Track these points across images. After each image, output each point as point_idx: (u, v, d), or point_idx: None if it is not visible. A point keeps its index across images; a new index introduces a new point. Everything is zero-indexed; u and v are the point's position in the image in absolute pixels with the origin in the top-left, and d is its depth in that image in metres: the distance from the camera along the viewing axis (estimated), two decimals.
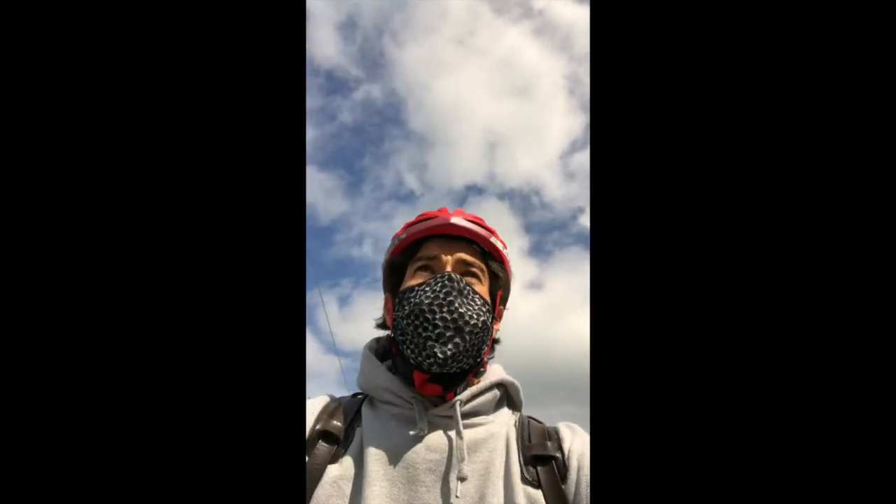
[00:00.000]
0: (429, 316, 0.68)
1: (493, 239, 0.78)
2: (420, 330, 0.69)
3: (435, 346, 0.68)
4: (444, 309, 0.69)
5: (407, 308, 0.71)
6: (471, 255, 0.77)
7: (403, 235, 0.79)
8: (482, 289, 0.76)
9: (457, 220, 0.77)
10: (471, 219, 0.79)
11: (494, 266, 0.79)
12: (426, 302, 0.69)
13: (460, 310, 0.69)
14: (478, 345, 0.71)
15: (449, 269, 0.74)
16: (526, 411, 0.78)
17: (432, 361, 0.68)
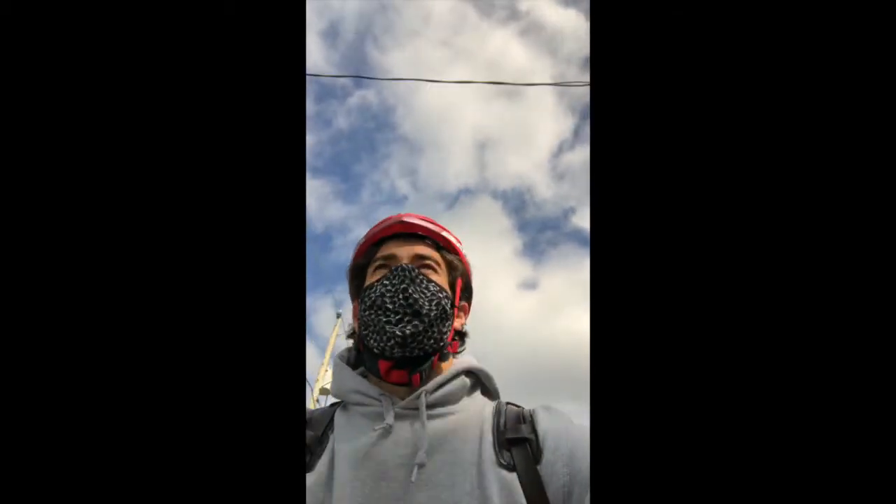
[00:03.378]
0: (389, 305, 0.72)
1: (444, 233, 0.84)
2: (380, 316, 0.72)
3: (394, 329, 0.71)
4: (399, 296, 0.72)
5: (368, 302, 0.75)
6: (425, 248, 0.81)
7: (363, 241, 0.86)
8: (439, 278, 0.79)
9: (409, 218, 0.83)
10: (423, 218, 0.84)
11: (449, 257, 0.83)
12: (385, 294, 0.73)
13: (414, 296, 0.73)
14: (437, 327, 0.73)
15: (405, 262, 0.78)
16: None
17: (393, 343, 0.70)
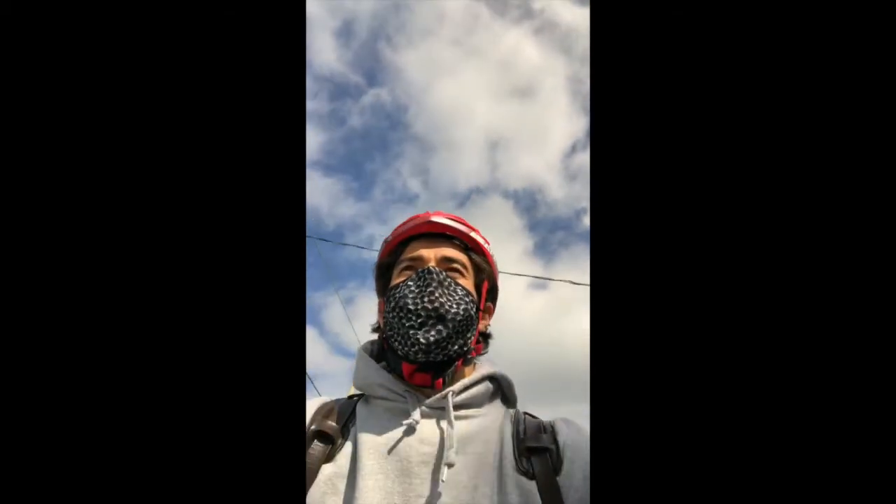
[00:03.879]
0: (412, 307, 0.72)
1: (473, 234, 0.82)
2: (404, 321, 0.72)
3: (418, 334, 0.70)
4: (426, 300, 0.72)
5: (392, 303, 0.74)
6: (453, 250, 0.79)
7: (390, 239, 0.84)
8: (466, 282, 0.78)
9: (437, 218, 0.81)
10: (451, 217, 0.82)
11: (477, 259, 0.81)
12: (409, 295, 0.73)
13: (441, 299, 0.72)
14: (462, 332, 0.73)
15: (432, 264, 0.76)
16: (535, 409, 0.78)
17: (417, 349, 0.70)
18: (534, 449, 0.67)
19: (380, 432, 0.68)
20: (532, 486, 0.63)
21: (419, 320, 0.71)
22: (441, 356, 0.71)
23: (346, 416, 0.73)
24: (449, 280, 0.75)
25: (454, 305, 0.72)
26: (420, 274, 0.74)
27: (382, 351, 0.80)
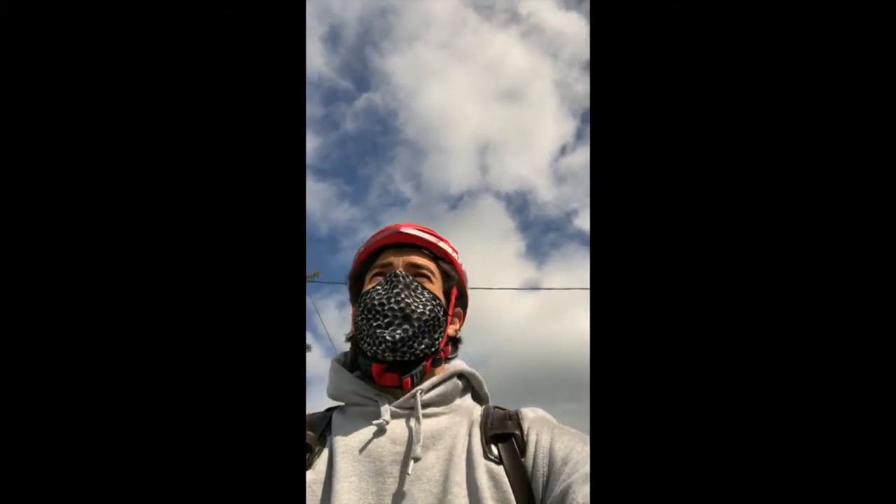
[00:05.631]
0: (379, 308, 0.76)
1: (441, 244, 0.86)
2: (371, 321, 0.76)
3: (384, 332, 0.74)
4: (392, 300, 0.76)
5: (362, 306, 0.78)
6: (420, 258, 0.83)
7: (362, 249, 0.88)
8: (433, 287, 0.82)
9: (406, 229, 0.84)
10: (420, 228, 0.86)
11: (445, 266, 0.85)
12: (377, 298, 0.77)
13: (406, 300, 0.76)
14: (428, 332, 0.77)
15: (399, 269, 0.81)
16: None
17: (384, 347, 0.74)
18: (500, 436, 0.71)
19: (353, 437, 0.71)
20: (500, 470, 0.66)
21: (385, 320, 0.75)
22: (408, 355, 0.75)
23: (322, 425, 0.77)
24: (416, 283, 0.79)
25: (420, 306, 0.76)
26: (388, 278, 0.78)
27: (356, 359, 0.83)
